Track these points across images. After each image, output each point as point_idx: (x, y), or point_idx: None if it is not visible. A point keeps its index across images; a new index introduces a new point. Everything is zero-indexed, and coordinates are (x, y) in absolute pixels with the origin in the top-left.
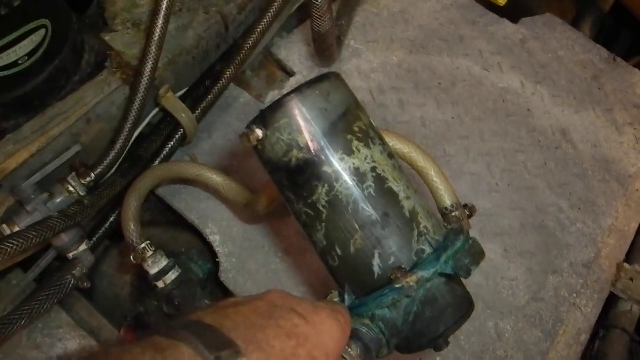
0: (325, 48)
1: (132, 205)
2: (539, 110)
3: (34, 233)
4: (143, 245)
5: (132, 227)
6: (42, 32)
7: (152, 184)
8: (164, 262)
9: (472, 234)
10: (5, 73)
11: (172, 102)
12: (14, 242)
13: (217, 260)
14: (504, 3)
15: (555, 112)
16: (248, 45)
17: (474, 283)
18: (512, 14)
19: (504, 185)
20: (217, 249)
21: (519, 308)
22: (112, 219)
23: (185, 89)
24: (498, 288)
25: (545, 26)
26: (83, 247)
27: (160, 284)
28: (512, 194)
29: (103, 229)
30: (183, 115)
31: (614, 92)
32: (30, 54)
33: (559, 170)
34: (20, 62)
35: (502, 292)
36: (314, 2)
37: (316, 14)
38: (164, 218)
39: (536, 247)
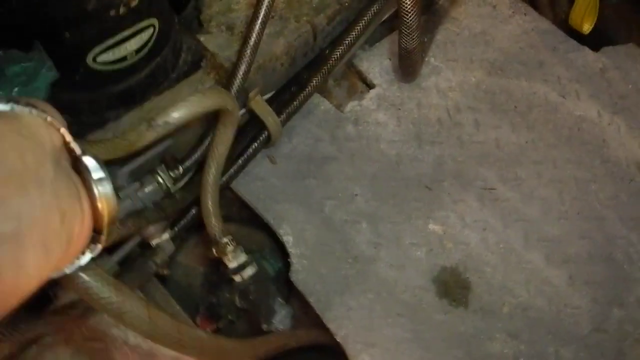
0: (410, 64)
1: (210, 199)
2: (615, 141)
3: (131, 222)
4: (225, 240)
5: (214, 222)
6: (150, 30)
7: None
8: (243, 258)
9: (538, 259)
10: (115, 66)
11: (260, 105)
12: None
13: (289, 260)
14: (587, 31)
15: (631, 145)
16: (335, 57)
17: (537, 307)
18: (594, 42)
19: (573, 213)
20: (289, 250)
21: (580, 337)
22: (193, 211)
23: (272, 93)
24: (560, 315)
25: (627, 56)
26: (166, 235)
27: (238, 278)
28: (582, 222)
29: (184, 220)
30: (270, 118)
31: None
32: (137, 50)
33: (631, 203)
34: (128, 57)
35: (564, 320)
36: (404, 19)
37: (405, 30)
38: (239, 215)
39: (602, 278)
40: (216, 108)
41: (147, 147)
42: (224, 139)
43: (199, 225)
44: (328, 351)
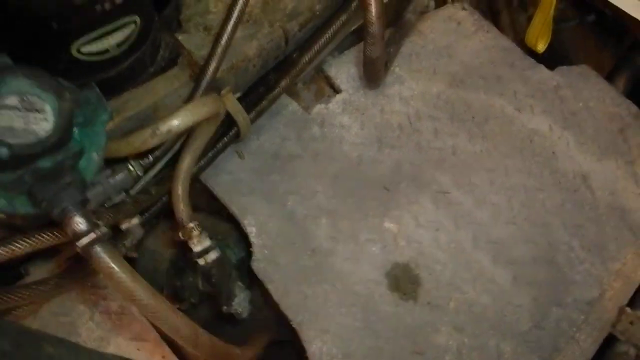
0: (373, 72)
1: (180, 187)
2: (563, 154)
3: (111, 214)
4: (192, 224)
5: (182, 207)
6: (132, 26)
7: (192, 164)
8: (207, 242)
9: (485, 259)
10: (98, 58)
11: (232, 102)
12: None
13: (251, 250)
14: (541, 50)
15: (578, 158)
16: (304, 61)
17: (482, 303)
18: (550, 61)
19: (521, 219)
20: (252, 240)
21: (520, 333)
22: (163, 199)
23: (241, 93)
24: (503, 311)
25: (580, 76)
26: (135, 221)
27: (201, 261)
28: (528, 227)
29: (154, 207)
30: (240, 115)
31: (637, 146)
32: (119, 44)
33: (575, 211)
34: (110, 50)
35: (506, 316)
36: (369, 30)
37: (370, 40)
38: (206, 205)
39: (544, 280)
40: (213, 114)
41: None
42: (204, 134)
43: (167, 213)
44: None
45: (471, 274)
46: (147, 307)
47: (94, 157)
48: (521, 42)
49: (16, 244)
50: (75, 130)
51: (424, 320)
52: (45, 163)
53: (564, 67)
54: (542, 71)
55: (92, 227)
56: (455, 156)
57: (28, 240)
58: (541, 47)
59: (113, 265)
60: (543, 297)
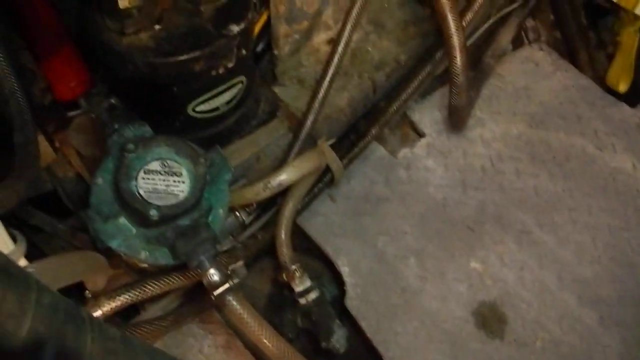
0: (458, 118)
1: (283, 232)
2: None
3: (225, 259)
4: (294, 267)
5: (285, 251)
6: (240, 85)
7: (295, 210)
8: (308, 283)
9: (571, 298)
10: (209, 115)
11: (327, 151)
12: None
13: (344, 288)
14: (623, 91)
15: None
16: (392, 109)
17: (569, 343)
18: (631, 98)
19: (606, 258)
20: (345, 279)
21: None
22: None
23: (334, 140)
24: (591, 352)
25: None
26: (240, 262)
27: (302, 301)
28: (614, 267)
29: (256, 250)
30: (334, 163)
31: None
32: (228, 102)
33: None
34: (220, 107)
35: (594, 356)
36: (455, 80)
37: (455, 90)
38: (301, 246)
39: (632, 320)
40: (317, 168)
41: None
42: (305, 184)
43: (265, 252)
44: None
45: (557, 313)
46: (273, 349)
47: (220, 213)
48: (601, 81)
49: (148, 287)
50: (204, 189)
51: (511, 358)
52: (184, 221)
53: None
54: (624, 109)
55: (226, 278)
56: (537, 196)
57: (158, 283)
58: (623, 87)
59: (242, 311)
60: (632, 337)
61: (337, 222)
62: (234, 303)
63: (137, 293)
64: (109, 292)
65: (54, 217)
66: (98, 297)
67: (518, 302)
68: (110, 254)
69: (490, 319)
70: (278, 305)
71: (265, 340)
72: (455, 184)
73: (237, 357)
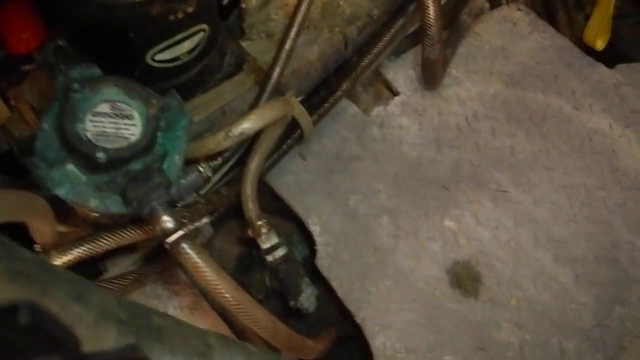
0: (432, 74)
1: (249, 186)
2: (624, 153)
3: (186, 213)
4: (260, 222)
5: (251, 206)
6: (202, 34)
7: (260, 164)
8: (275, 239)
9: (546, 257)
10: (170, 65)
11: (295, 105)
12: None
13: (315, 248)
14: (600, 48)
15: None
16: (363, 64)
17: (543, 301)
18: (609, 59)
19: (581, 218)
20: (316, 238)
21: (583, 331)
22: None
23: (303, 96)
24: (565, 310)
25: None
26: (206, 220)
27: (270, 258)
28: (589, 226)
29: (224, 207)
30: (303, 118)
31: None
32: (189, 51)
33: (637, 210)
34: (181, 57)
35: (569, 314)
36: (428, 32)
37: (428, 42)
38: (270, 206)
39: (607, 278)
40: (282, 117)
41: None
42: (272, 136)
43: (234, 213)
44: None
45: (532, 272)
46: (231, 300)
47: (176, 160)
48: (579, 41)
49: (102, 240)
50: (159, 134)
51: (486, 317)
52: (135, 165)
53: (624, 65)
54: (601, 69)
55: (180, 225)
56: (513, 156)
57: (113, 237)
58: (600, 44)
59: (199, 260)
60: (606, 295)
61: (307, 181)
62: (189, 251)
63: (90, 247)
64: (60, 246)
65: (10, 176)
66: (49, 251)
67: (493, 261)
68: (64, 210)
69: (464, 278)
70: (246, 266)
71: (223, 291)
72: (429, 142)
73: (203, 318)
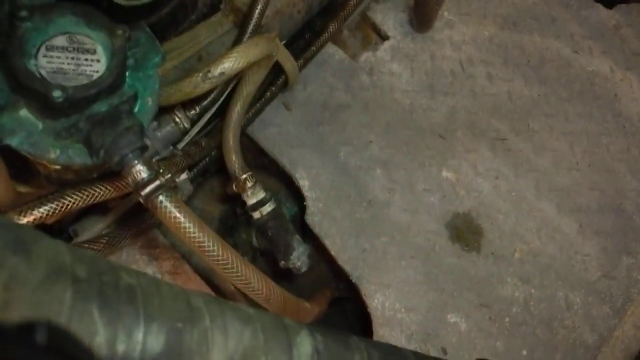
0: (425, 15)
1: (231, 136)
2: (627, 97)
3: (162, 168)
4: (245, 175)
5: (234, 158)
6: None
7: (243, 112)
8: (262, 194)
9: (549, 208)
10: (137, 2)
11: (279, 48)
12: None
13: (304, 204)
14: None
15: None
16: (350, 4)
17: (548, 253)
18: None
19: (584, 165)
20: (305, 193)
21: (589, 283)
22: (212, 153)
23: (286, 40)
24: (571, 261)
25: None
26: (184, 176)
27: (257, 215)
28: (592, 174)
29: (203, 161)
30: (288, 63)
31: None
32: None
33: None
34: None
35: (574, 266)
36: None
37: None
38: (254, 162)
39: (612, 228)
40: (266, 55)
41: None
42: (255, 80)
43: (215, 171)
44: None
45: (535, 224)
46: (217, 258)
47: (149, 102)
48: None
49: (67, 198)
50: (127, 73)
51: (489, 272)
52: (100, 107)
53: (623, 5)
54: (600, 10)
55: (155, 174)
56: (511, 102)
57: (79, 194)
58: None
59: (178, 215)
60: (612, 245)
61: (293, 133)
62: (167, 204)
63: (53, 206)
64: (20, 207)
65: None
66: (5, 213)
67: (494, 212)
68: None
69: (465, 232)
70: (230, 226)
71: (208, 249)
72: (422, 89)
73: (186, 282)
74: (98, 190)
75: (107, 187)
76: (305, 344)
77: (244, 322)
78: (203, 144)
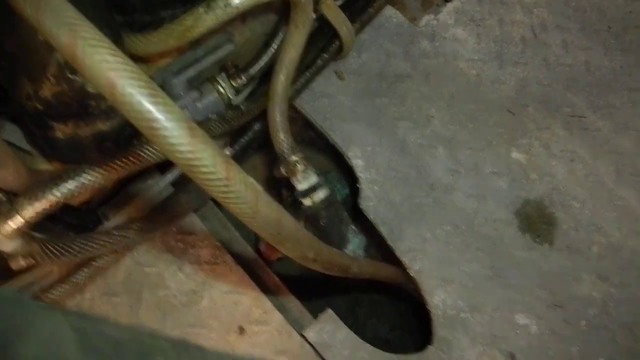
0: None
1: (277, 112)
2: None
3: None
4: (295, 157)
5: (282, 136)
6: None
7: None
8: (314, 179)
9: (631, 195)
10: None
11: (333, 10)
12: None
13: (357, 186)
14: None
15: None
16: None
17: (629, 247)
18: None
19: None
20: (359, 175)
21: None
22: (256, 127)
23: (342, 1)
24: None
25: None
26: (225, 152)
27: (307, 202)
28: None
29: (246, 136)
30: (343, 26)
31: None
32: None
33: None
34: None
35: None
36: None
37: None
38: (301, 136)
39: None
40: None
41: (206, 53)
42: (295, 42)
43: (258, 146)
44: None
45: (616, 213)
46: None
47: None
48: None
49: (87, 175)
50: None
51: (563, 267)
52: None
53: None
54: None
55: None
56: (589, 73)
57: (99, 170)
58: None
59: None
60: None
61: (346, 105)
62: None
63: (70, 187)
64: (30, 191)
65: None
66: (15, 200)
67: (569, 200)
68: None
69: (536, 221)
70: None
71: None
72: (490, 58)
73: (226, 274)
74: (121, 165)
75: (132, 160)
76: None
77: None
78: (243, 108)
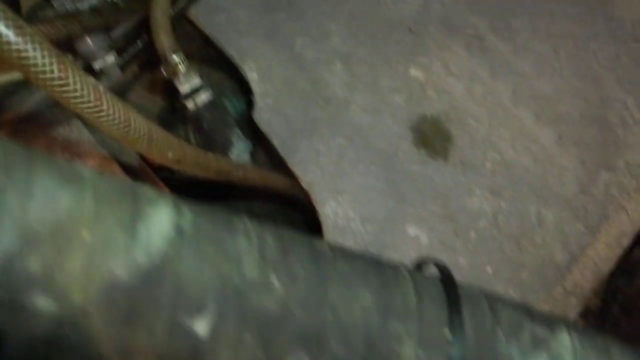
0: None
1: (159, 11)
2: (622, 0)
3: (61, 24)
4: (176, 57)
5: (162, 36)
6: None
7: None
8: (196, 81)
9: (527, 115)
10: None
11: None
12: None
13: (252, 99)
14: None
15: (639, 4)
16: None
17: (522, 164)
18: None
19: (568, 71)
20: (254, 88)
21: (564, 198)
22: (145, 37)
23: None
24: (546, 175)
25: None
26: (111, 58)
27: (190, 105)
28: (576, 81)
29: (135, 45)
30: None
31: None
32: None
33: (632, 65)
34: None
35: (549, 180)
36: None
37: None
38: (199, 53)
39: (593, 140)
40: None
41: None
42: None
43: (155, 62)
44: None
45: (510, 132)
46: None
47: None
48: None
49: None
50: None
51: (456, 182)
52: None
53: None
54: None
55: None
56: None
57: None
58: None
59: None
60: (591, 159)
61: (243, 19)
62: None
63: None
64: None
65: None
66: None
67: (466, 117)
68: None
69: (432, 137)
70: (169, 123)
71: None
72: None
73: None
74: None
75: None
76: (160, 219)
77: (64, 182)
78: (120, 5)
